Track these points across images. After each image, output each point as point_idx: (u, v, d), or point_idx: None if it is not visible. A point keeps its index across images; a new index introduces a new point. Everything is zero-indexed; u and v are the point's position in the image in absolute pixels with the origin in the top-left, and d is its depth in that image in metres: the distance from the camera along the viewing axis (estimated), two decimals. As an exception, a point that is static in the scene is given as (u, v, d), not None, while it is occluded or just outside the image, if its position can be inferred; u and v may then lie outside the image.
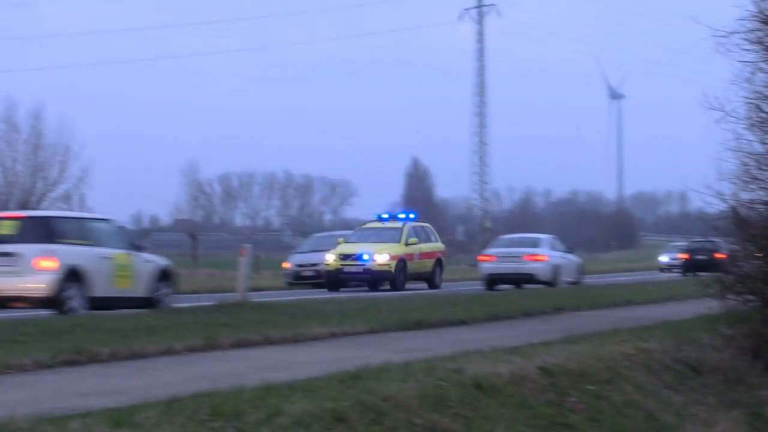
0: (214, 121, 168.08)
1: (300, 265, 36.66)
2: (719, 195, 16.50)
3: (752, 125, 16.44)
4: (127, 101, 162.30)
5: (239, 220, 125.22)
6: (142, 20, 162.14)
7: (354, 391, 9.33)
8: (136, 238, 32.13)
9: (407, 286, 33.33)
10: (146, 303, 20.29)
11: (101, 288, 19.52)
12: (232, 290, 22.71)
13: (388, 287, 32.68)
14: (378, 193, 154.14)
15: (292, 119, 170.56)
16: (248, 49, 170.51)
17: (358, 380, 9.86)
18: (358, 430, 8.67)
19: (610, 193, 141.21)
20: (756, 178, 16.40)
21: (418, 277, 34.54)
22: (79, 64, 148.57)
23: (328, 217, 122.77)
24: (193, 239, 65.00)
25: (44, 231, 19.41)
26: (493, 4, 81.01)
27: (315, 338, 14.51)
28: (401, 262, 33.35)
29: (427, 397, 9.70)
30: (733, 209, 16.63)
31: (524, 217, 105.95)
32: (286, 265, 37.67)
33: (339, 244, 34.51)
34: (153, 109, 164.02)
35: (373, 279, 33.06)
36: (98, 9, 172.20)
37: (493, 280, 33.56)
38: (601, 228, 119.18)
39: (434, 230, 37.49)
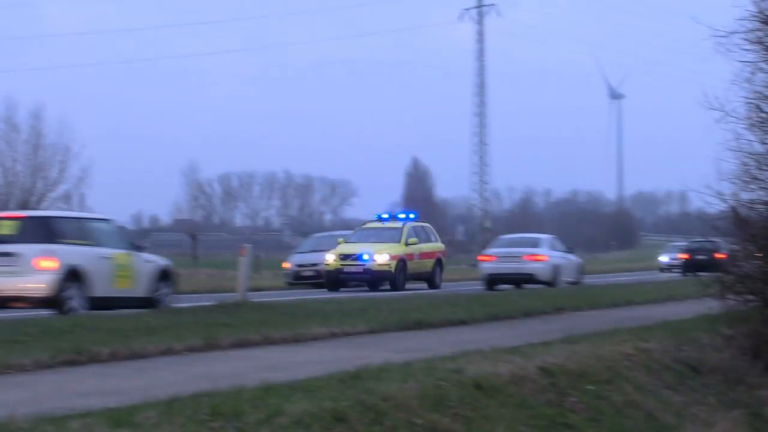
0: (214, 121, 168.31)
1: (300, 265, 36.64)
2: (719, 195, 16.51)
3: (752, 125, 16.44)
4: (127, 101, 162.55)
5: (239, 220, 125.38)
6: (142, 20, 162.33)
7: (354, 391, 9.33)
8: (136, 238, 32.11)
9: (407, 286, 33.31)
10: (146, 303, 20.29)
11: (101, 288, 19.52)
12: (232, 290, 22.70)
13: (388, 287, 32.66)
14: (378, 193, 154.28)
15: (292, 119, 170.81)
16: (248, 49, 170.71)
17: (358, 380, 9.86)
18: (358, 430, 8.67)
19: (610, 193, 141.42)
20: (756, 178, 16.40)
21: (418, 277, 34.52)
22: (79, 64, 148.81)
23: (328, 217, 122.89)
24: (193, 239, 64.97)
25: (44, 231, 19.40)
26: (493, 4, 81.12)
27: (315, 338, 14.51)
28: (401, 262, 33.34)
29: (427, 397, 9.69)
30: (733, 209, 16.63)
31: (524, 217, 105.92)
32: (286, 265, 37.65)
33: (339, 244, 34.50)
34: (153, 109, 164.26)
35: (373, 279, 33.04)
36: (98, 9, 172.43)
37: (493, 280, 33.55)
38: (601, 228, 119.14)
39: (434, 230, 37.46)
